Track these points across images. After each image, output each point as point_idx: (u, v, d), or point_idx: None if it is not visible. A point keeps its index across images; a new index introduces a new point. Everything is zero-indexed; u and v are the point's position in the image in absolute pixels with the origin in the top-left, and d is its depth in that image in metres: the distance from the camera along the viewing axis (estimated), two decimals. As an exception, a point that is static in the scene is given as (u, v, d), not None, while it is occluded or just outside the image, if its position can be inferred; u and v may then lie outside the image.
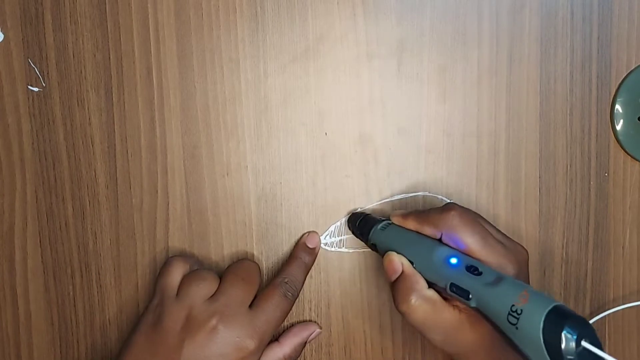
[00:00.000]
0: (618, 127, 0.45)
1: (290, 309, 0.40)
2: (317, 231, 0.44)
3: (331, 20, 0.43)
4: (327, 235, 0.44)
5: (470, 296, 0.33)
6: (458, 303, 0.35)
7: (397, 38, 0.43)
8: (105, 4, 0.42)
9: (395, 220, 0.40)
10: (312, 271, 0.44)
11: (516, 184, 0.45)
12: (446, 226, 0.36)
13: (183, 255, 0.42)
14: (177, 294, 0.38)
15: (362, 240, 0.42)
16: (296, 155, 0.44)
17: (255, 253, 0.44)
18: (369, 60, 0.43)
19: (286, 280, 0.40)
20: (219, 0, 0.42)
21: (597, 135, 0.45)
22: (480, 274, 0.33)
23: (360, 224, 0.42)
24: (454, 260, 0.35)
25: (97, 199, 0.43)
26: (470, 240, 0.36)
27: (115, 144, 0.43)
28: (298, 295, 0.41)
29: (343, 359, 0.45)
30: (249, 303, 0.39)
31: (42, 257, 0.44)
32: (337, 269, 0.45)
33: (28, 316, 0.44)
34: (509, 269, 0.35)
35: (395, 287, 0.37)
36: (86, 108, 0.43)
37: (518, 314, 0.30)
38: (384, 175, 0.44)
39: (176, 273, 0.39)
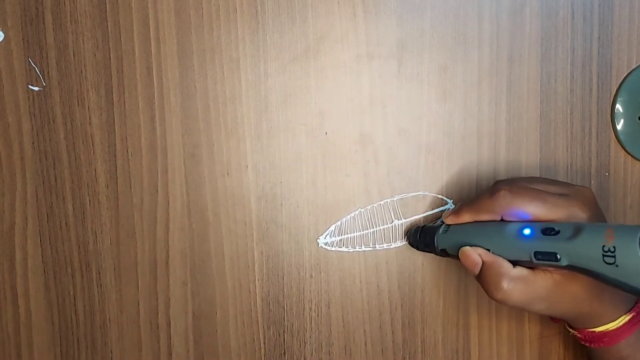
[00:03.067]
0: (618, 127, 0.45)
1: None
2: (317, 230, 0.44)
3: (332, 20, 0.43)
4: (327, 235, 0.44)
5: (559, 256, 0.33)
6: (547, 268, 0.35)
7: (398, 38, 0.43)
8: (106, 3, 0.42)
9: (450, 220, 0.39)
10: (312, 271, 0.44)
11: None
12: (501, 207, 0.36)
13: None
14: None
15: (430, 252, 0.42)
16: (296, 155, 0.44)
17: (255, 253, 0.44)
18: (369, 61, 0.43)
19: None
20: (219, -1, 0.42)
21: (597, 134, 0.45)
22: (557, 232, 0.33)
23: (422, 237, 0.42)
24: (527, 231, 0.35)
25: (98, 199, 0.43)
26: (532, 209, 0.35)
27: (115, 144, 0.43)
28: None
29: (343, 358, 0.45)
30: None
31: (42, 257, 0.44)
32: (337, 269, 0.45)
33: (28, 315, 0.44)
34: (580, 215, 0.35)
35: (482, 279, 0.36)
36: (86, 107, 0.43)
37: (612, 252, 0.30)
38: (384, 175, 0.44)
39: None
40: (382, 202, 0.44)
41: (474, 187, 0.45)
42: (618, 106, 0.45)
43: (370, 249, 0.44)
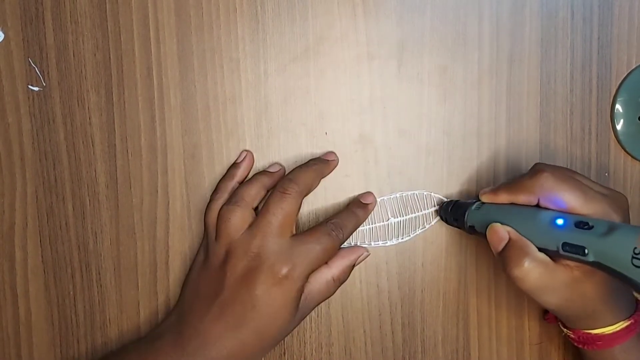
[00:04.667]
0: (618, 127, 0.45)
1: (333, 250, 0.40)
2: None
3: (331, 20, 0.43)
4: None
5: (587, 251, 0.32)
6: (569, 262, 0.35)
7: (398, 38, 0.43)
8: (106, 3, 0.42)
9: (486, 197, 0.39)
10: (312, 271, 0.44)
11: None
12: (542, 189, 0.36)
13: (224, 188, 0.42)
14: (216, 232, 0.40)
15: (456, 226, 0.42)
16: (296, 155, 0.44)
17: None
18: (369, 61, 0.43)
19: (333, 221, 0.40)
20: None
21: (597, 135, 0.45)
22: (591, 227, 0.33)
23: (453, 210, 0.42)
24: (560, 221, 0.34)
25: (97, 199, 0.43)
26: (571, 197, 0.35)
27: (115, 144, 0.43)
28: (343, 241, 0.40)
29: (343, 358, 0.45)
30: (289, 232, 0.39)
31: (42, 257, 0.44)
32: (337, 269, 0.45)
33: (28, 316, 0.44)
34: (614, 217, 0.35)
35: (504, 254, 0.36)
36: (86, 107, 0.43)
37: None
38: (384, 175, 0.44)
39: (213, 212, 0.40)
40: (379, 200, 0.44)
41: (474, 188, 0.45)
42: (618, 106, 0.45)
43: (366, 245, 0.44)
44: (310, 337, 0.45)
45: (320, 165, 0.42)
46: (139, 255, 0.44)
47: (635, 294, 0.39)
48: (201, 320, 0.38)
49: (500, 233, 0.37)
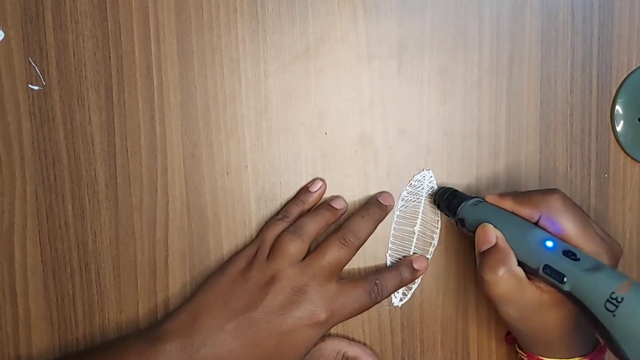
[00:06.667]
0: (618, 128, 0.45)
1: (368, 308, 0.41)
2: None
3: (332, 20, 0.43)
4: None
5: (565, 279, 0.33)
6: (542, 285, 0.36)
7: (398, 39, 0.43)
8: (106, 3, 0.42)
9: (491, 199, 0.40)
10: (312, 271, 0.44)
11: (516, 185, 0.45)
12: (548, 208, 0.37)
13: (292, 212, 0.42)
14: (269, 253, 0.40)
15: (446, 214, 0.43)
16: (296, 155, 0.44)
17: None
18: (369, 61, 0.43)
19: (377, 282, 0.41)
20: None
21: (597, 136, 0.45)
22: (577, 259, 0.33)
23: (449, 198, 0.42)
24: (549, 244, 0.35)
25: (97, 198, 0.43)
26: (571, 226, 0.36)
27: (115, 143, 0.43)
28: (380, 301, 0.41)
29: (342, 359, 0.45)
30: (336, 278, 0.40)
31: (41, 256, 0.44)
32: (336, 269, 0.45)
33: (27, 315, 0.44)
34: (604, 259, 0.35)
35: (484, 256, 0.37)
36: (86, 107, 0.43)
37: (618, 302, 0.30)
38: (384, 175, 0.44)
39: (274, 231, 0.41)
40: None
41: (474, 188, 0.45)
42: (618, 108, 0.45)
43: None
44: (309, 337, 0.45)
45: (379, 213, 0.42)
46: (138, 255, 0.44)
47: (598, 335, 0.39)
48: (220, 330, 0.38)
49: (489, 235, 0.37)
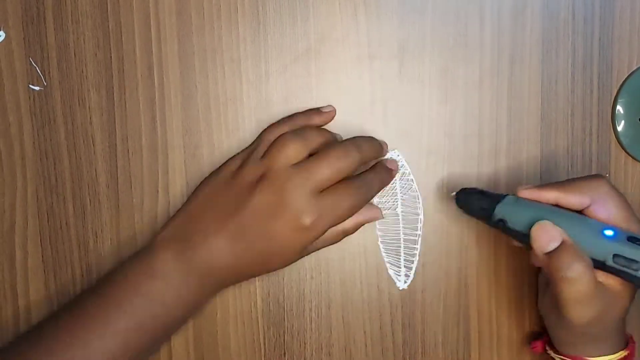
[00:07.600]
0: (619, 128, 0.45)
1: (358, 207, 0.39)
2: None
3: (333, 20, 0.43)
4: None
5: (638, 266, 0.32)
6: (603, 278, 0.34)
7: (399, 39, 0.43)
8: (107, 3, 0.42)
9: (528, 193, 0.37)
10: (313, 272, 0.44)
11: (517, 185, 0.45)
12: (597, 193, 0.35)
13: (298, 120, 0.41)
14: (264, 153, 0.38)
15: (479, 217, 0.40)
16: (297, 156, 0.44)
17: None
18: (370, 61, 0.43)
19: (362, 177, 0.39)
20: (220, 0, 0.42)
21: (598, 136, 0.45)
22: None
23: (479, 199, 0.39)
24: (609, 232, 0.34)
25: (98, 199, 0.43)
26: (619, 211, 0.35)
27: (116, 144, 0.43)
28: (368, 200, 0.39)
29: (343, 359, 0.45)
30: (328, 186, 0.38)
31: (42, 256, 0.44)
32: (337, 270, 0.45)
33: (28, 316, 0.44)
34: None
35: (555, 257, 0.34)
36: (87, 107, 0.43)
37: None
38: (385, 176, 0.44)
39: (274, 132, 0.40)
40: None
41: (475, 188, 0.45)
42: (619, 107, 0.45)
43: None
44: (310, 337, 0.45)
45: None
46: (140, 255, 0.44)
47: None
48: (213, 235, 0.37)
49: (553, 232, 0.34)
